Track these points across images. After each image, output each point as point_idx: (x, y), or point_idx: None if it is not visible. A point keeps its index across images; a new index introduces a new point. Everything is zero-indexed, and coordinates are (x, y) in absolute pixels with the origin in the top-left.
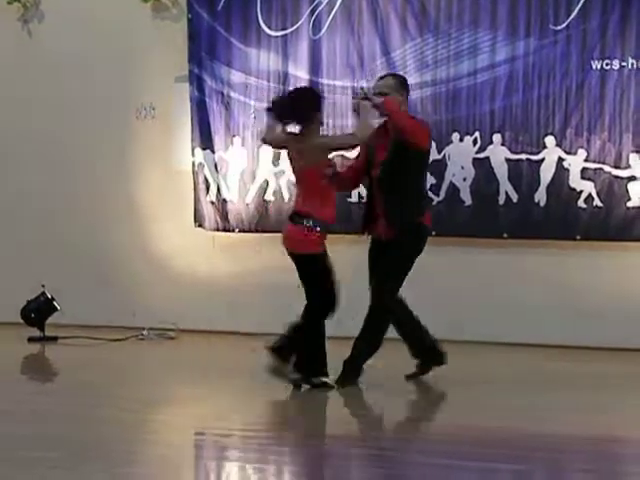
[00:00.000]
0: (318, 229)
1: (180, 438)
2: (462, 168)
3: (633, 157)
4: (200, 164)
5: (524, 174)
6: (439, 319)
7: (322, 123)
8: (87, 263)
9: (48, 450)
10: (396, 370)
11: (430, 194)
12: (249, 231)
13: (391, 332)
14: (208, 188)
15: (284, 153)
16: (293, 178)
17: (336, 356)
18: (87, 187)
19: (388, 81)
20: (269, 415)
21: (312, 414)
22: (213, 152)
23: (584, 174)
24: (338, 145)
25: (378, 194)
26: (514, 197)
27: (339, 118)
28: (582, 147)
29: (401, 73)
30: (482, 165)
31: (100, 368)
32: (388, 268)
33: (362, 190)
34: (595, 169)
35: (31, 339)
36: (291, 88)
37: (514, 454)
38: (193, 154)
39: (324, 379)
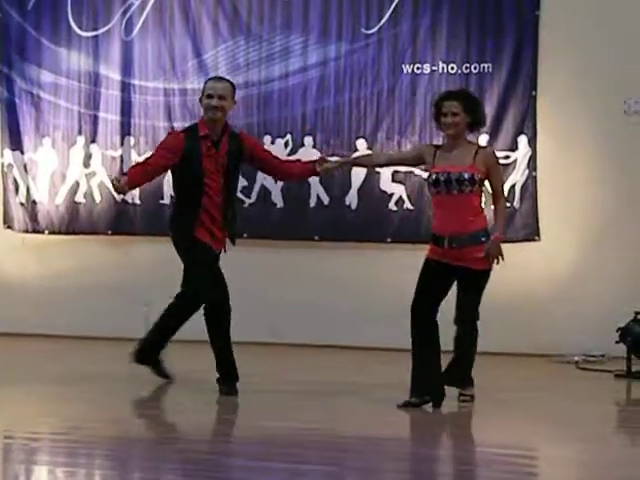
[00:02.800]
0: None
1: None
2: None
3: None
4: (9, 165)
5: (335, 177)
6: (250, 323)
7: None
8: None
9: None
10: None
11: (241, 196)
12: (59, 233)
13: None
14: (17, 189)
15: (97, 156)
16: (106, 180)
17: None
18: None
19: (228, 87)
20: (78, 419)
21: (124, 416)
22: (22, 153)
23: (395, 177)
24: None
25: None
26: (325, 199)
27: (150, 119)
28: (393, 150)
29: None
30: None
31: None
32: None
33: None
34: (406, 172)
35: None
36: None
37: (325, 455)
38: (2, 155)
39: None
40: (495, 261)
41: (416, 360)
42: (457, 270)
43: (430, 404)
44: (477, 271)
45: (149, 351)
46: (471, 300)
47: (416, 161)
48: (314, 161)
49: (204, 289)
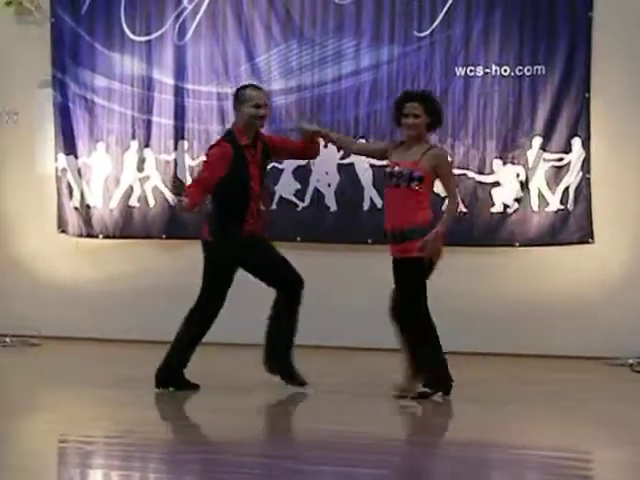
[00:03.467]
0: None
1: (42, 446)
2: (327, 174)
3: (497, 163)
4: (63, 170)
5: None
6: (306, 325)
7: None
8: None
9: None
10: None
11: (295, 199)
12: (113, 237)
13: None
14: (71, 193)
15: (150, 161)
16: (159, 184)
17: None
18: None
19: (266, 94)
20: (133, 422)
21: (178, 420)
22: (76, 157)
23: None
24: None
25: None
26: (379, 203)
27: (203, 123)
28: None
29: (266, 79)
30: (347, 171)
31: None
32: None
33: None
34: (459, 175)
35: None
36: None
37: (374, 459)
38: (56, 159)
39: None
40: (430, 254)
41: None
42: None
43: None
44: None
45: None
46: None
47: (382, 156)
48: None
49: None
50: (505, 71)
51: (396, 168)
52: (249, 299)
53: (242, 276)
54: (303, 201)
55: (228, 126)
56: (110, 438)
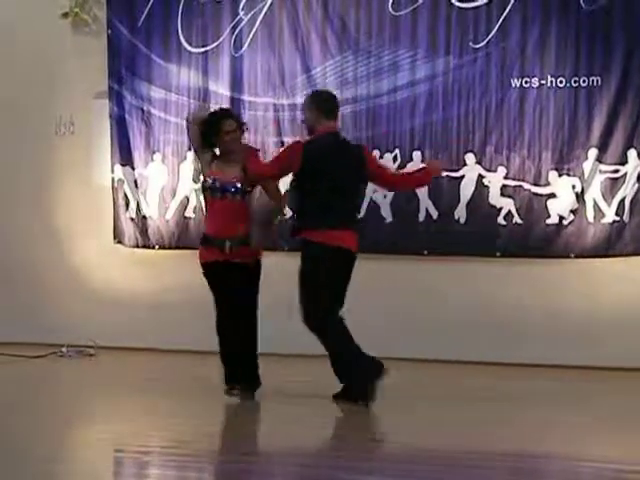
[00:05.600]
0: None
1: (99, 456)
2: None
3: (552, 174)
4: (120, 180)
5: (444, 191)
6: (361, 337)
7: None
8: (5, 279)
9: None
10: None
11: None
12: (169, 247)
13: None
14: (128, 204)
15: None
16: None
17: None
18: (5, 202)
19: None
20: (189, 433)
21: (233, 430)
22: (133, 168)
23: (504, 191)
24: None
25: None
26: (434, 214)
27: (260, 134)
28: (502, 164)
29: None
30: None
31: (18, 385)
32: None
33: None
34: (515, 186)
35: None
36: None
37: (437, 470)
38: (113, 170)
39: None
40: None
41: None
42: None
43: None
44: None
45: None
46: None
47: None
48: None
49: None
50: (561, 82)
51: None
52: None
53: None
54: (359, 212)
55: (285, 138)
56: (165, 448)
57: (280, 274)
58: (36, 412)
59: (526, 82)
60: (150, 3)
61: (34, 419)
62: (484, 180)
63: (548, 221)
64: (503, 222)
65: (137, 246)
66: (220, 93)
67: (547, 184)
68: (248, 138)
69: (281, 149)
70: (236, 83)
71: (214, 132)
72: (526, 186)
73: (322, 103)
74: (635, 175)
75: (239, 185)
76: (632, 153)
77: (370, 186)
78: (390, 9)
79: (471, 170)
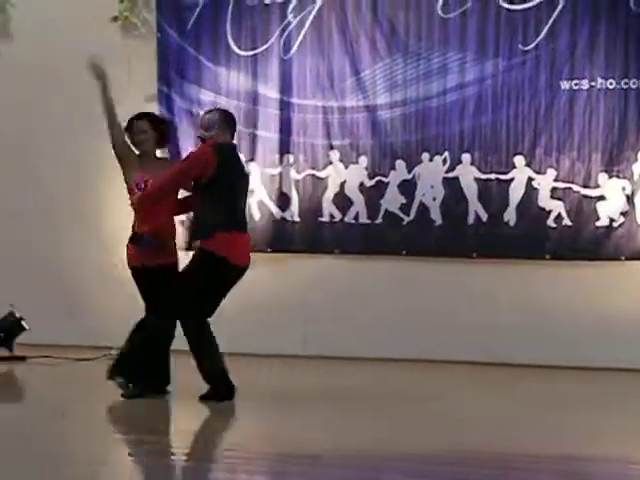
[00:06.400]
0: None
1: (149, 460)
2: (432, 187)
3: (602, 176)
4: None
5: (493, 193)
6: (412, 338)
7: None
8: (57, 282)
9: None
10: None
11: (400, 214)
12: None
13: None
14: None
15: (255, 175)
16: (264, 198)
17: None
18: (60, 205)
19: (214, 115)
20: (240, 435)
21: (283, 433)
22: None
23: (553, 193)
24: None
25: None
26: (484, 216)
27: (309, 137)
28: (551, 167)
29: (371, 93)
30: (451, 185)
31: (68, 387)
32: None
33: None
34: (564, 188)
35: None
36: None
37: (491, 473)
38: None
39: None
40: None
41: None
42: None
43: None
44: None
45: None
46: None
47: None
48: None
49: None
50: (610, 84)
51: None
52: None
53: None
54: (409, 215)
55: (334, 141)
56: (227, 451)
57: None
58: (85, 414)
59: (576, 84)
60: (199, 6)
61: (82, 420)
62: (533, 182)
63: (598, 223)
64: (553, 225)
65: (188, 249)
66: (269, 96)
67: (597, 186)
68: (297, 141)
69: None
70: (285, 86)
71: (129, 133)
72: (576, 188)
73: (232, 124)
74: None
75: None
76: None
77: (419, 189)
78: (439, 11)
79: (520, 172)
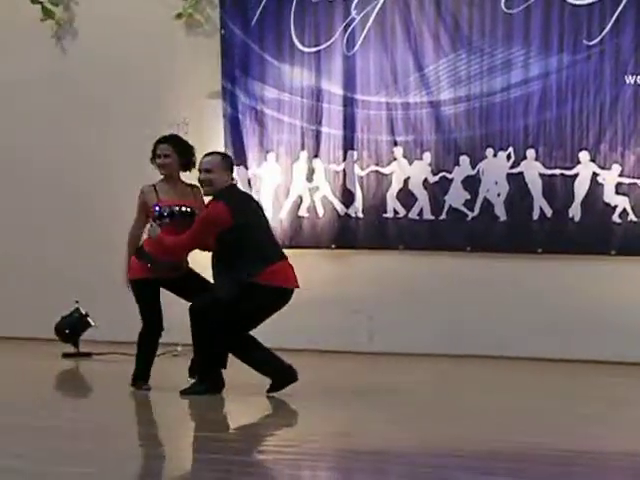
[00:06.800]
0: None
1: (206, 455)
2: (496, 183)
3: None
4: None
5: (558, 189)
6: (477, 335)
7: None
8: (120, 278)
9: (81, 466)
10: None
11: (464, 209)
12: (283, 246)
13: None
14: None
15: (320, 171)
16: (329, 194)
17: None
18: (122, 204)
19: (215, 159)
20: (302, 432)
21: (342, 429)
22: (247, 168)
23: (618, 189)
24: None
25: None
26: (548, 212)
27: (373, 133)
28: (616, 162)
29: (435, 89)
30: (516, 180)
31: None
32: None
33: None
34: (629, 184)
35: (65, 355)
36: None
37: (552, 471)
38: None
39: None
40: None
41: None
42: None
43: None
44: None
45: None
46: None
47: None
48: None
49: None
50: None
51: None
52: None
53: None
54: (473, 211)
55: (398, 137)
56: (280, 447)
57: None
58: (150, 412)
59: None
60: (263, 3)
61: (147, 417)
62: (598, 178)
63: None
64: (618, 220)
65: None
66: (333, 92)
67: None
68: (361, 137)
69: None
70: (349, 82)
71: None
72: None
73: (232, 166)
74: None
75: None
76: None
77: (483, 185)
78: (503, 7)
79: (585, 168)
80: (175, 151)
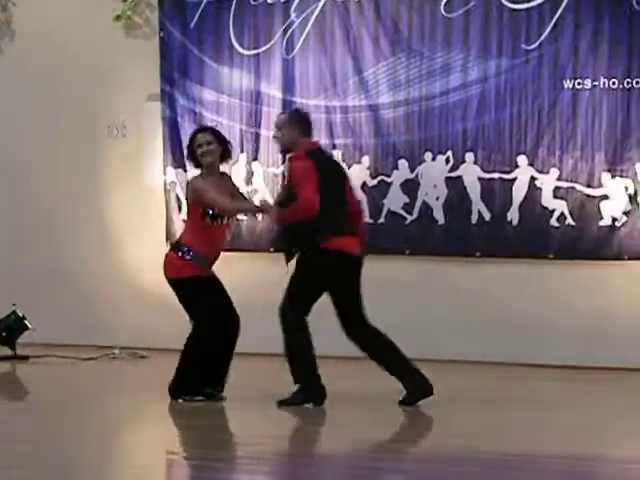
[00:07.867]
0: (188, 257)
1: (151, 458)
2: (435, 187)
3: (605, 176)
4: (172, 182)
5: (497, 193)
6: (415, 339)
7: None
8: (57, 281)
9: (14, 469)
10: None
11: (403, 213)
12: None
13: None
14: (180, 207)
15: (258, 174)
16: (267, 197)
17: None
18: (58, 205)
19: (281, 117)
20: (243, 434)
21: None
22: (185, 171)
23: (556, 193)
24: (208, 201)
25: None
26: (487, 216)
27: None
28: (554, 166)
29: (374, 92)
30: (455, 184)
31: (71, 387)
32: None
33: None
34: (567, 188)
35: (1, 358)
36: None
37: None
38: (165, 173)
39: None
40: None
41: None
42: None
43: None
44: None
45: None
46: None
47: None
48: None
49: None
50: (613, 83)
51: None
52: None
53: None
54: (411, 214)
55: (337, 140)
56: (224, 451)
57: None
58: (87, 415)
59: (579, 83)
60: (202, 5)
61: (84, 421)
62: (536, 182)
63: (601, 223)
64: (556, 224)
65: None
66: (272, 95)
67: (600, 186)
68: None
69: (293, 174)
70: (288, 85)
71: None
72: (579, 188)
73: (303, 122)
74: None
75: None
76: None
77: (422, 188)
78: (442, 11)
79: (523, 172)
80: (216, 139)
